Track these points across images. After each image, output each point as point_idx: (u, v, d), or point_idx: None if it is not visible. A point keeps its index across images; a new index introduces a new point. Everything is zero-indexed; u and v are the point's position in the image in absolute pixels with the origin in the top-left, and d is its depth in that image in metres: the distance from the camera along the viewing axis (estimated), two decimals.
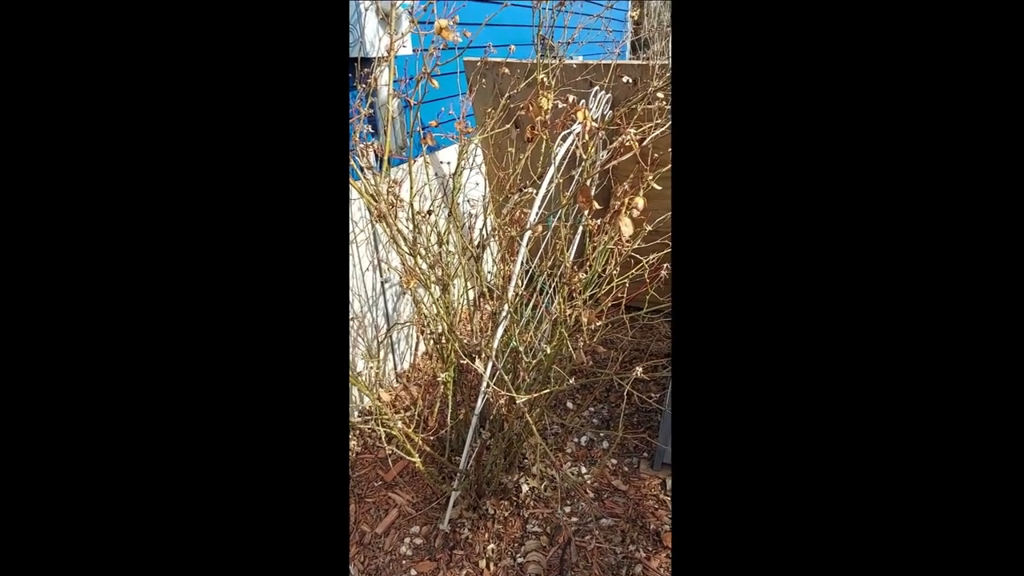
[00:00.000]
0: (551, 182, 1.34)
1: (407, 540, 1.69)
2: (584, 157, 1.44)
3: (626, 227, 0.92)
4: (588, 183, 1.05)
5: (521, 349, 1.21)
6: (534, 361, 1.26)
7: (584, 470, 1.97)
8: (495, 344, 1.47)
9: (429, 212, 1.37)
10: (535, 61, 1.43)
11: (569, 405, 2.29)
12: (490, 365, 1.33)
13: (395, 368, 2.37)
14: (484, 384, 1.48)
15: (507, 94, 1.63)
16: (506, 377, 1.22)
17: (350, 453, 1.96)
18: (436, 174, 2.14)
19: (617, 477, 1.92)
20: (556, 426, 2.17)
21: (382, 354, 2.18)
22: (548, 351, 1.18)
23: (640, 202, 0.96)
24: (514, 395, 1.11)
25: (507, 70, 1.56)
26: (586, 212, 1.01)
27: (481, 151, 1.95)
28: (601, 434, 2.13)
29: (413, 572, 1.60)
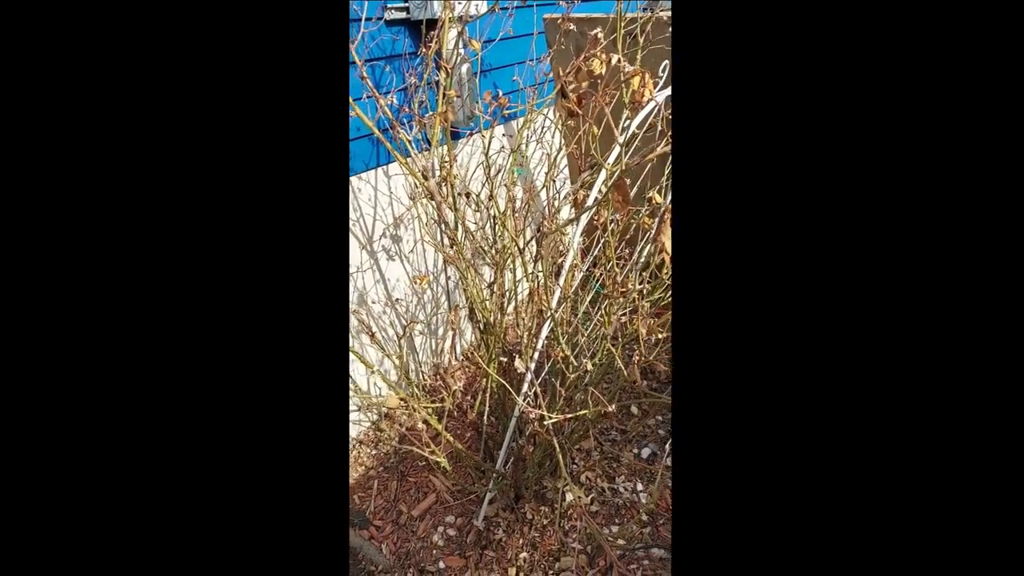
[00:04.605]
0: (617, 163, 1.12)
1: (440, 529, 1.64)
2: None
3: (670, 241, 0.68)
4: (627, 177, 0.83)
5: (561, 361, 1.05)
6: (572, 376, 1.08)
7: (640, 487, 1.77)
8: (539, 345, 1.31)
9: (467, 195, 1.22)
10: (614, 16, 1.19)
11: (634, 410, 2.08)
12: (529, 374, 1.18)
13: (444, 352, 2.31)
14: (525, 386, 1.34)
15: (582, 56, 1.40)
16: (539, 392, 1.07)
17: (397, 427, 1.95)
18: (503, 148, 1.98)
19: None
20: (615, 432, 1.98)
21: (417, 342, 2.12)
22: (590, 367, 1.00)
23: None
24: (544, 414, 0.95)
25: (573, 26, 1.33)
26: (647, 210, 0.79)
27: (553, 122, 1.74)
28: (667, 447, 1.90)
29: (442, 564, 1.55)
